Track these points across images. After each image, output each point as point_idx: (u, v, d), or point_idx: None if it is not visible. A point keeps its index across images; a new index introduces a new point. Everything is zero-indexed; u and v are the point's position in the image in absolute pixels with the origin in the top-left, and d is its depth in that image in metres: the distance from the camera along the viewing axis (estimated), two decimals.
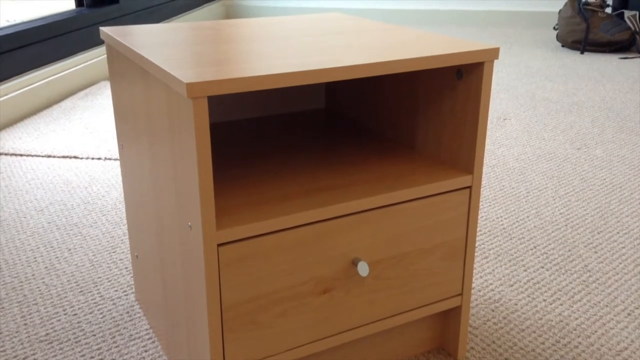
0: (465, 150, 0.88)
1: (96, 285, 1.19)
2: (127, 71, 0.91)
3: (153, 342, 1.03)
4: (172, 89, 0.71)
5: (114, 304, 1.14)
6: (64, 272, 1.24)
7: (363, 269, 0.81)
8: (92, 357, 1.00)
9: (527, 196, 1.58)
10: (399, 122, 1.00)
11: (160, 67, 0.72)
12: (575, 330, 1.07)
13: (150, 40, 0.88)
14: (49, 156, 1.84)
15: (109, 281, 1.21)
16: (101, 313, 1.11)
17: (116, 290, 1.18)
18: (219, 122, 1.10)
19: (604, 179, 1.68)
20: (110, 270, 1.24)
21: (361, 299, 0.86)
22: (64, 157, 1.83)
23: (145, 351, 1.01)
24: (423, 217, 0.87)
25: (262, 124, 1.10)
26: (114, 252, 1.31)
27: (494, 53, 0.82)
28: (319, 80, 0.71)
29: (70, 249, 1.32)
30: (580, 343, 1.04)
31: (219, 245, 0.73)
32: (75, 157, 1.83)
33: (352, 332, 0.87)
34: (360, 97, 1.08)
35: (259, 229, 0.75)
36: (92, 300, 1.15)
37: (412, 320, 0.97)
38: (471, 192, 0.89)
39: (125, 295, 1.16)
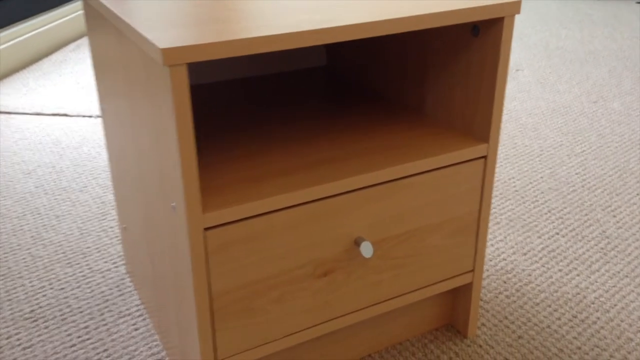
0: (480, 116, 0.80)
1: (85, 257, 1.13)
2: (103, 30, 0.82)
3: (144, 319, 0.97)
4: (148, 54, 0.62)
5: (103, 277, 1.07)
6: (51, 241, 1.17)
7: (367, 249, 0.74)
8: (78, 337, 0.94)
9: (540, 155, 1.50)
10: (406, 84, 0.91)
11: (134, 28, 0.63)
12: (593, 304, 1.01)
13: None
14: (38, 114, 1.75)
15: (98, 252, 1.14)
16: (89, 287, 1.05)
17: (106, 262, 1.11)
18: (207, 84, 1.01)
19: (623, 135, 1.59)
20: (100, 239, 1.18)
21: (365, 281, 0.79)
22: (53, 114, 1.75)
23: (136, 329, 0.95)
24: (433, 191, 0.79)
25: (256, 85, 1.01)
26: (104, 219, 1.24)
27: (515, 7, 0.73)
28: (315, 43, 0.62)
29: (58, 216, 1.25)
30: (598, 318, 0.97)
31: (205, 229, 0.66)
32: (66, 115, 1.74)
33: (354, 315, 0.80)
34: (365, 54, 0.98)
35: (250, 210, 0.67)
36: (80, 273, 1.09)
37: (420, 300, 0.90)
38: (486, 162, 0.81)
39: (115, 267, 1.10)
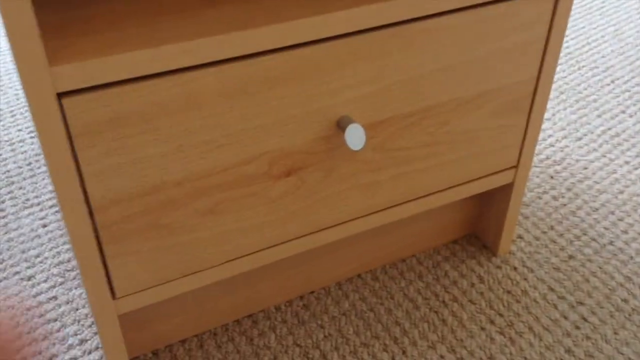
0: None
1: None
2: None
3: (56, 212, 0.72)
4: None
5: (12, 150, 0.81)
6: None
7: (355, 137, 0.45)
8: None
9: (602, 7, 1.16)
10: None
11: None
12: None
13: None
14: None
15: (12, 115, 0.87)
16: None
17: (20, 130, 0.84)
18: None
19: None
20: (18, 99, 0.90)
21: (353, 183, 0.51)
22: None
23: (43, 226, 0.70)
24: (467, 44, 0.49)
25: None
26: None
27: None
28: None
29: None
30: None
31: (60, 95, 0.37)
32: None
33: (334, 231, 0.54)
34: None
35: (146, 64, 0.38)
36: None
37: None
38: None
39: (31, 137, 0.83)
